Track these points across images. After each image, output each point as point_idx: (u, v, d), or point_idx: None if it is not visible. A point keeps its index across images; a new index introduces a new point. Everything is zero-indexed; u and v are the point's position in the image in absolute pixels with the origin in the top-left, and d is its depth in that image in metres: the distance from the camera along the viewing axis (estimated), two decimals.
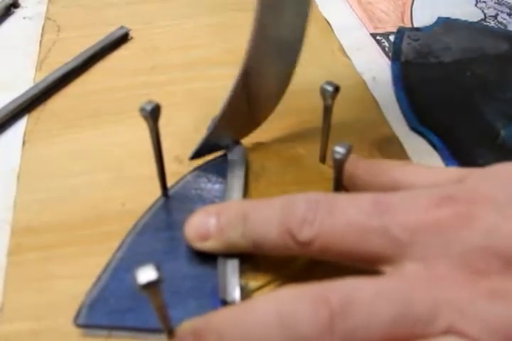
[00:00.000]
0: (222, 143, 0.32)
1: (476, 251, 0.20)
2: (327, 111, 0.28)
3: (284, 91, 0.31)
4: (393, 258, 0.21)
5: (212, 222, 0.24)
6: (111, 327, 0.24)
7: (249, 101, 0.30)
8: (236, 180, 0.29)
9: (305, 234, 0.22)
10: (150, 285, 0.18)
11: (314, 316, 0.19)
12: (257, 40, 0.27)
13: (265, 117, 0.32)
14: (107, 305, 0.24)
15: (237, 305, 0.23)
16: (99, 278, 0.25)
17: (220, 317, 0.21)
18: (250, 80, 0.29)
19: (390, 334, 0.19)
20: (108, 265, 0.26)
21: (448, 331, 0.19)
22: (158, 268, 0.18)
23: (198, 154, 0.32)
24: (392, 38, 0.43)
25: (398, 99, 0.37)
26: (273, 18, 0.26)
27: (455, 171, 0.25)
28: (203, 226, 0.25)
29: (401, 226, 0.21)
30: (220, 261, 0.25)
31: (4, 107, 0.35)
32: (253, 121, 0.32)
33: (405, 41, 0.42)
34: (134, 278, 0.18)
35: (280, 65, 0.29)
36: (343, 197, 0.23)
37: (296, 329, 0.19)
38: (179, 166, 0.31)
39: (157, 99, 0.25)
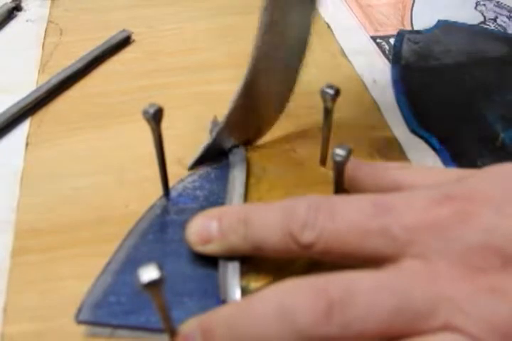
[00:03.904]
0: (224, 148, 0.32)
1: (475, 249, 0.20)
2: (327, 113, 0.28)
3: (288, 99, 0.31)
4: (394, 257, 0.21)
5: (213, 225, 0.25)
6: (113, 326, 0.24)
7: (254, 109, 0.31)
8: (237, 182, 0.29)
9: (307, 237, 0.22)
10: (152, 284, 0.18)
11: (312, 307, 0.20)
12: (263, 46, 0.27)
13: (269, 126, 0.33)
14: (111, 304, 0.24)
15: (243, 299, 0.23)
16: (99, 278, 0.25)
17: (225, 311, 0.22)
18: (255, 87, 0.29)
19: (388, 328, 0.19)
20: (109, 265, 0.26)
21: (445, 327, 0.19)
22: (161, 268, 0.18)
23: (198, 163, 0.32)
24: (392, 40, 0.43)
25: (398, 102, 0.37)
26: (280, 21, 0.27)
27: (455, 172, 0.25)
28: (205, 229, 0.25)
29: (401, 225, 0.21)
30: (221, 262, 0.25)
31: (7, 110, 0.35)
32: (257, 130, 0.33)
33: (405, 44, 0.42)
34: (136, 277, 0.18)
35: (285, 71, 0.30)
36: (343, 199, 0.23)
37: (295, 320, 0.20)
38: (181, 168, 0.31)
39: (159, 102, 0.25)
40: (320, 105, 0.28)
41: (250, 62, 0.28)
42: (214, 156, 0.32)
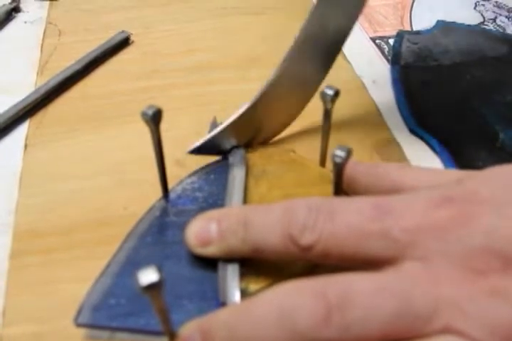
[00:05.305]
0: (225, 146, 0.32)
1: (476, 251, 0.20)
2: (327, 114, 0.28)
3: (303, 108, 0.32)
4: (394, 259, 0.21)
5: (213, 227, 0.24)
6: (112, 328, 0.24)
7: (267, 113, 0.31)
8: (237, 184, 0.29)
9: (306, 239, 0.22)
10: (152, 287, 0.18)
11: (312, 309, 0.20)
12: (297, 51, 0.28)
13: (273, 135, 0.33)
14: (110, 307, 0.24)
15: (242, 302, 0.23)
16: (98, 280, 0.25)
17: (225, 313, 0.22)
18: (275, 92, 0.30)
19: (388, 330, 0.19)
20: (108, 267, 0.26)
21: (446, 329, 0.19)
22: (160, 270, 0.18)
23: (198, 150, 0.32)
24: (391, 41, 0.43)
25: (398, 103, 0.37)
26: (320, 29, 0.28)
27: (454, 173, 0.25)
28: (204, 232, 0.25)
29: (401, 227, 0.21)
30: (221, 264, 0.25)
31: (6, 111, 0.35)
32: (264, 134, 0.33)
33: (405, 44, 0.42)
34: (135, 280, 0.18)
35: (309, 80, 0.31)
36: (343, 201, 0.23)
37: (294, 322, 0.20)
38: (180, 170, 0.31)
39: (158, 103, 0.25)
40: (319, 105, 0.28)
41: (277, 70, 0.28)
42: (211, 152, 0.32)
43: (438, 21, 0.45)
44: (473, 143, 0.34)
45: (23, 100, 0.36)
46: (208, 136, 0.32)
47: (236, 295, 0.24)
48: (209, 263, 0.25)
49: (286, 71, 0.29)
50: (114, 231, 0.28)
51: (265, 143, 0.33)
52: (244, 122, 0.31)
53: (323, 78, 0.30)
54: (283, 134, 0.34)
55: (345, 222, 0.22)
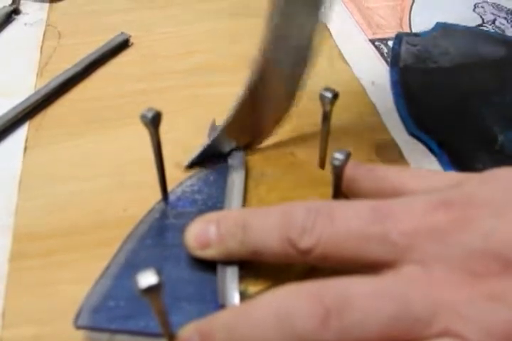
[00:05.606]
0: (223, 151, 0.32)
1: (474, 254, 0.20)
2: (326, 117, 0.28)
3: (292, 105, 0.31)
4: (393, 263, 0.21)
5: (212, 230, 0.25)
6: (112, 331, 0.24)
7: (254, 115, 0.31)
8: (236, 186, 0.29)
9: (305, 242, 0.22)
10: (151, 290, 0.18)
11: (310, 312, 0.20)
12: (268, 49, 0.27)
13: (270, 132, 0.33)
14: (109, 309, 0.24)
15: (241, 304, 0.23)
16: (98, 282, 0.25)
17: (224, 316, 0.22)
18: (257, 94, 0.29)
19: (387, 333, 0.19)
20: (108, 269, 0.26)
21: (445, 333, 0.19)
22: (159, 273, 0.18)
23: (197, 161, 0.32)
24: (390, 43, 0.43)
25: (397, 105, 0.37)
26: (285, 29, 0.27)
27: (454, 176, 0.25)
28: (203, 234, 0.25)
29: (399, 231, 0.21)
30: (220, 266, 0.25)
31: (5, 114, 0.35)
32: (258, 133, 0.33)
33: (404, 46, 0.42)
34: (135, 283, 0.18)
35: (288, 78, 0.30)
36: (342, 205, 0.23)
37: (293, 325, 0.20)
38: (180, 172, 0.31)
39: (157, 105, 0.25)
40: (319, 108, 0.28)
41: (253, 69, 0.28)
42: (213, 158, 0.32)
43: (437, 23, 0.45)
44: (472, 145, 0.34)
45: (23, 102, 0.36)
46: (203, 147, 0.31)
47: (235, 298, 0.24)
48: (208, 266, 0.25)
49: (260, 71, 0.28)
50: (113, 233, 0.28)
51: (264, 138, 0.33)
52: (235, 124, 0.30)
53: (306, 69, 0.30)
54: (282, 137, 0.34)
55: (345, 224, 0.22)
